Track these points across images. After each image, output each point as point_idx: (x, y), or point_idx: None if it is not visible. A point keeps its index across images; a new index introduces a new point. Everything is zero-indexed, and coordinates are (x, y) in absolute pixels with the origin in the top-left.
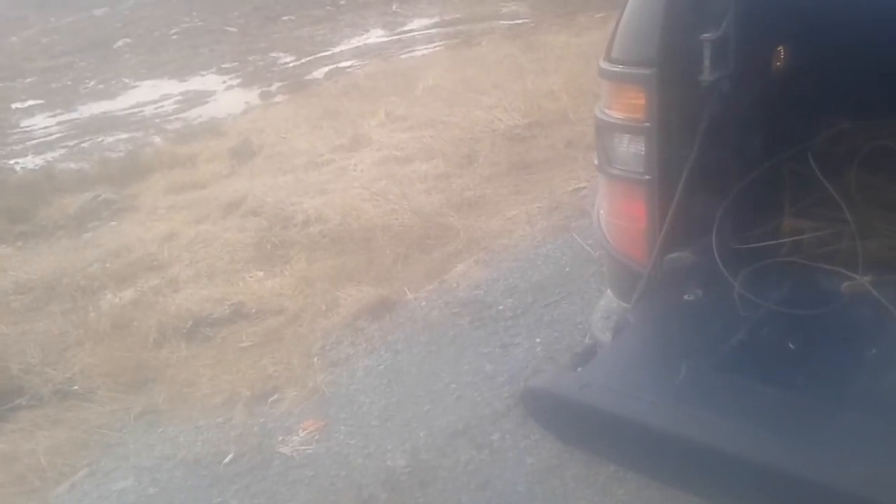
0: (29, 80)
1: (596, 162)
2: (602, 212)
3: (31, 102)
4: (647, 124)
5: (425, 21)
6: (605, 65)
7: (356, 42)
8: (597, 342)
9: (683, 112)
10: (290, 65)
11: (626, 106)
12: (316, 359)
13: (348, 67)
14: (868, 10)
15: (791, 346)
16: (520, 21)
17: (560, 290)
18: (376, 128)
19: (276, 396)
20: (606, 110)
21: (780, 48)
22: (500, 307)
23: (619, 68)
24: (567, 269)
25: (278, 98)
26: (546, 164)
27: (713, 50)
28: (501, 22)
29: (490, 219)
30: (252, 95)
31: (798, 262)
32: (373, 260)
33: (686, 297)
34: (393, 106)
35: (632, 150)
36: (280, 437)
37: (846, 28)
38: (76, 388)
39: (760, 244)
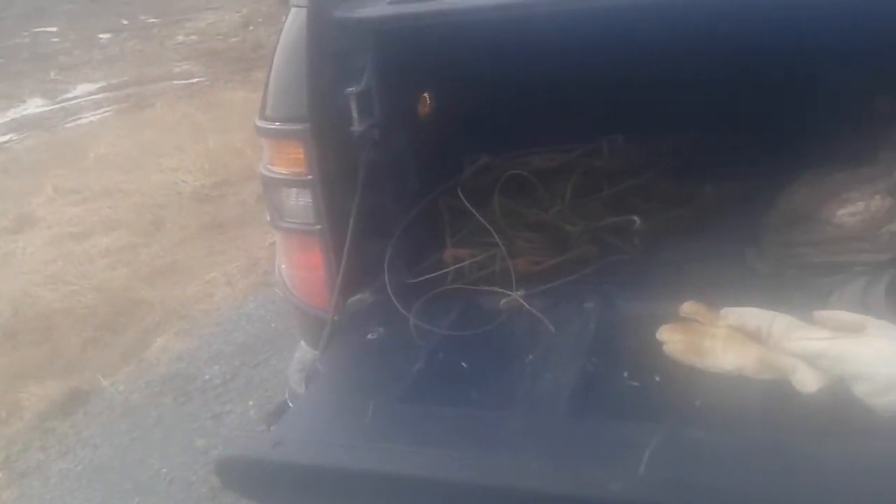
0: None
1: (268, 218)
2: (283, 265)
3: None
4: (309, 177)
5: (90, 86)
6: (261, 123)
7: (12, 114)
8: (293, 395)
9: (342, 162)
10: None
11: (288, 161)
12: (1, 473)
13: (6, 142)
14: (498, 59)
15: (464, 364)
16: (195, 80)
17: (268, 347)
18: (44, 204)
19: None
20: (270, 167)
21: (426, 95)
22: (207, 376)
23: (275, 125)
24: (273, 324)
25: None
26: (238, 221)
27: (358, 102)
28: (175, 82)
29: (186, 285)
30: None
31: (461, 287)
32: (57, 350)
33: (369, 336)
34: (61, 179)
35: (300, 202)
36: None
37: (481, 75)
38: None
39: (428, 276)
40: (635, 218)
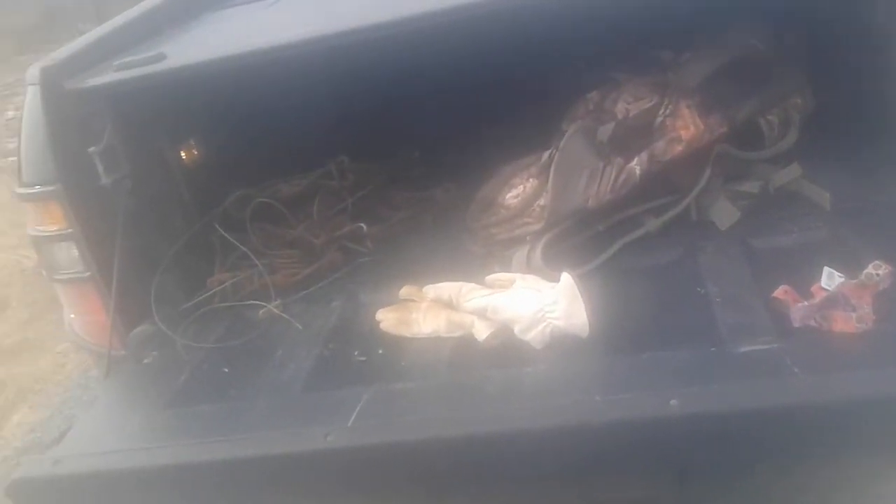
0: None
1: (44, 273)
2: (70, 315)
3: None
4: (72, 230)
5: None
6: (20, 189)
7: None
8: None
9: (99, 212)
10: None
11: (51, 219)
12: None
13: None
14: (235, 104)
15: (225, 370)
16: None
17: None
18: None
19: None
20: (37, 227)
21: (177, 142)
22: None
23: (34, 189)
24: None
25: None
26: None
27: (102, 159)
28: (10, 159)
29: (38, 359)
30: None
31: (227, 305)
32: None
33: (145, 361)
34: None
35: (69, 255)
36: None
37: (221, 120)
38: None
39: (196, 300)
40: (362, 225)
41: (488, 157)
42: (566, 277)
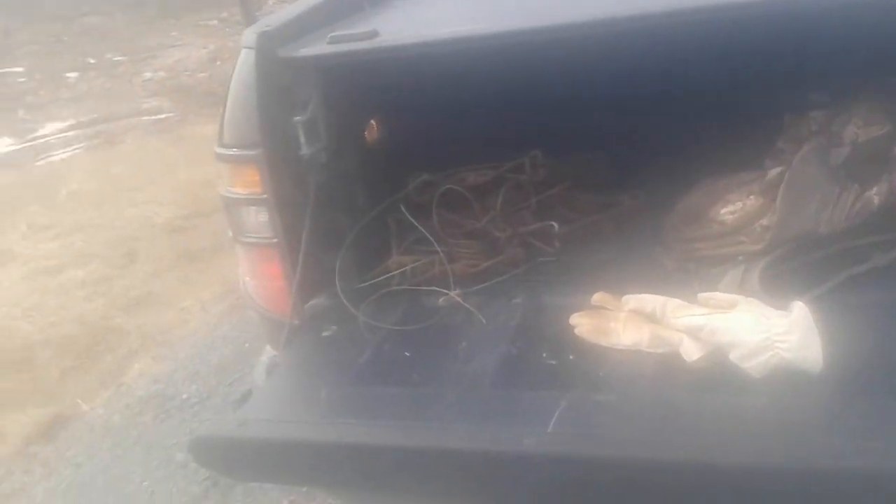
0: None
1: (230, 234)
2: (247, 278)
3: None
4: (265, 196)
5: (59, 124)
6: (220, 150)
7: None
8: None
9: (293, 182)
10: None
11: (245, 182)
12: None
13: None
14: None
15: (407, 354)
16: (163, 116)
17: (242, 366)
18: (19, 241)
19: None
20: (230, 188)
21: (371, 121)
22: (185, 396)
23: (233, 151)
24: (246, 345)
25: None
26: (211, 250)
27: (305, 129)
28: (144, 118)
29: (162, 313)
30: None
31: (406, 289)
32: (37, 379)
33: (324, 333)
34: (34, 216)
35: (258, 219)
36: None
37: (418, 102)
38: None
39: (375, 280)
40: (553, 224)
41: (678, 167)
42: (800, 307)
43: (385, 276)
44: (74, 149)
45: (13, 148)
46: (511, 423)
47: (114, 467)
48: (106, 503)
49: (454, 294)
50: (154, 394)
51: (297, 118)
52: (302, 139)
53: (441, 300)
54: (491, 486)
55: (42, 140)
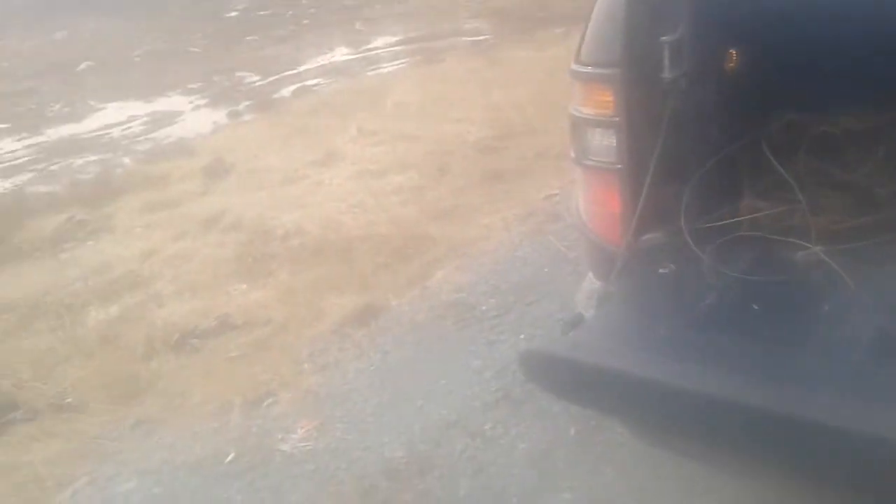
0: None
1: (572, 155)
2: (580, 200)
3: None
4: (616, 119)
5: (389, 39)
6: (575, 66)
7: (322, 61)
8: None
9: (647, 107)
10: (257, 84)
11: (597, 103)
12: (306, 364)
13: (315, 86)
14: (809, 17)
15: (755, 307)
16: (482, 37)
17: (540, 289)
18: (348, 143)
19: (270, 400)
20: (579, 107)
21: (732, 50)
22: (483, 308)
23: (588, 69)
24: (545, 269)
25: (247, 117)
26: (517, 173)
27: (671, 51)
28: (464, 38)
29: (466, 227)
30: (220, 115)
31: (757, 235)
32: (354, 270)
33: (661, 270)
34: (363, 122)
35: (604, 142)
36: (279, 436)
37: (791, 32)
38: (69, 400)
39: (722, 223)
40: None
41: None
42: None
43: (733, 220)
44: (401, 63)
45: (349, 58)
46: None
47: (416, 361)
48: (408, 391)
49: (818, 249)
50: (456, 301)
51: (665, 38)
52: (666, 61)
53: (799, 254)
54: (853, 471)
55: (373, 52)
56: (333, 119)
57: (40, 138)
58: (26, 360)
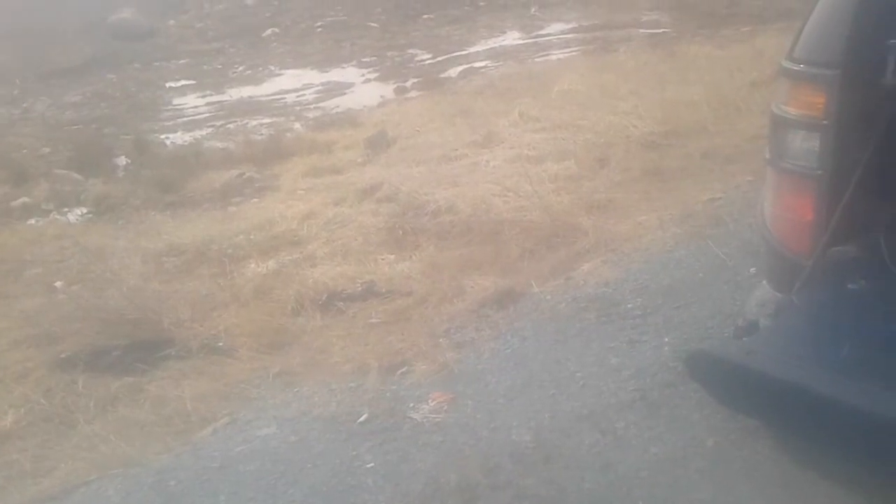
0: (183, 61)
1: (767, 156)
2: (767, 205)
3: (183, 82)
4: (825, 122)
5: (563, 26)
6: (787, 63)
7: (492, 43)
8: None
9: (862, 113)
10: (427, 62)
11: (805, 104)
12: (442, 339)
13: (482, 67)
14: None
15: None
16: (660, 30)
17: (692, 294)
18: (509, 127)
19: (404, 369)
20: (783, 106)
21: None
22: (629, 305)
23: (800, 67)
24: (700, 274)
25: (413, 93)
26: (680, 172)
27: None
28: (641, 30)
29: (619, 222)
30: (388, 89)
31: None
32: (499, 252)
33: (850, 285)
34: (526, 107)
35: (806, 146)
36: (410, 405)
37: None
38: (220, 344)
39: None
40: None
41: None
42: None
43: None
44: (572, 51)
45: (519, 42)
46: None
47: (553, 350)
48: (542, 378)
49: None
50: (600, 295)
51: (893, 41)
52: (892, 66)
53: None
54: None
55: (545, 38)
56: (497, 102)
57: (222, 97)
58: (187, 301)
